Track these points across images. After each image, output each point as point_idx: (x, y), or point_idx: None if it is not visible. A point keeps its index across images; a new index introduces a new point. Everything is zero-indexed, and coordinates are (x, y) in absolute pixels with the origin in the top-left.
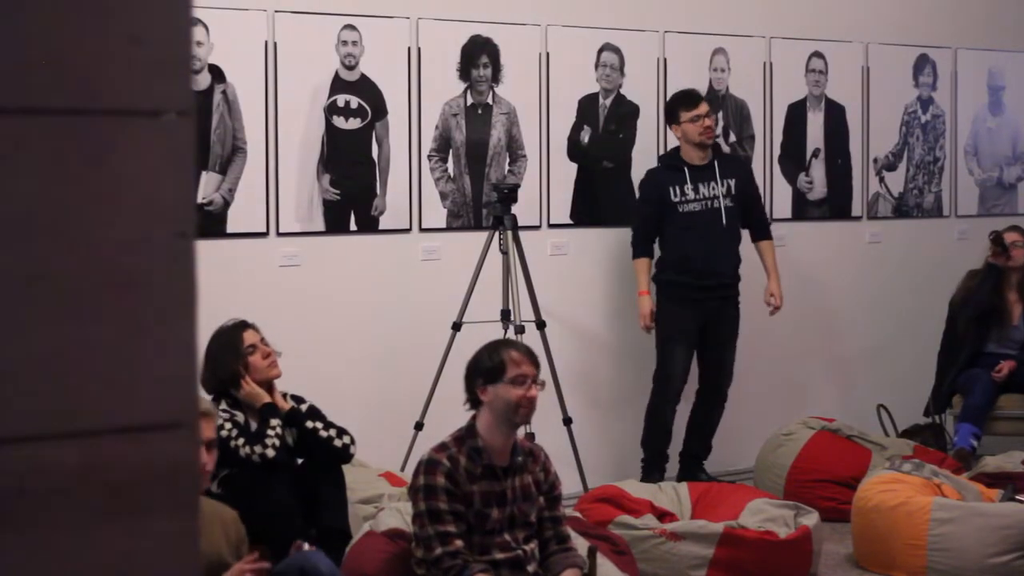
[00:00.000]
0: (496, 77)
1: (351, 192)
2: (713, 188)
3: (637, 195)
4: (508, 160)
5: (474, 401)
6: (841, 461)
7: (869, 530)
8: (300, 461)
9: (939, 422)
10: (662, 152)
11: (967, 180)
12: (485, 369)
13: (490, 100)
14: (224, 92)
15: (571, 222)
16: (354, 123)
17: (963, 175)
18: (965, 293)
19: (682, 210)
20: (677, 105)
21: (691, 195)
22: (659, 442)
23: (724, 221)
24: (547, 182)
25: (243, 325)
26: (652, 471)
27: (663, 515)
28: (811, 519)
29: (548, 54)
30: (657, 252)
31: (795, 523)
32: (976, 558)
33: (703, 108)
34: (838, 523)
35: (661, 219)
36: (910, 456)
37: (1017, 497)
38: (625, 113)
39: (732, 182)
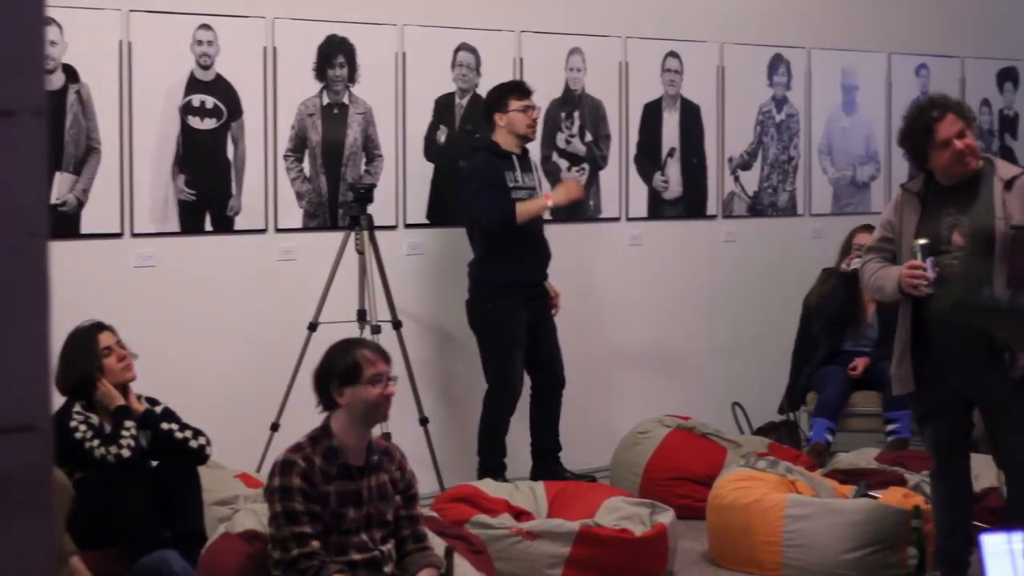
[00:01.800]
0: (352, 77)
1: (206, 192)
2: (529, 180)
3: (472, 181)
4: (364, 160)
5: (328, 403)
6: (696, 459)
7: (724, 527)
8: (155, 463)
9: (793, 419)
10: None
11: (821, 179)
12: (340, 371)
13: (346, 100)
14: (78, 92)
15: (427, 222)
16: (209, 123)
17: (817, 174)
18: (820, 300)
19: (514, 196)
20: (508, 93)
21: (520, 182)
22: (499, 453)
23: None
24: (403, 182)
25: (99, 327)
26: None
27: (519, 514)
28: (667, 517)
29: (404, 54)
30: (470, 254)
31: (651, 521)
32: (830, 554)
33: (533, 100)
34: (694, 521)
35: None
36: (765, 453)
37: (870, 493)
38: (481, 113)
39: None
